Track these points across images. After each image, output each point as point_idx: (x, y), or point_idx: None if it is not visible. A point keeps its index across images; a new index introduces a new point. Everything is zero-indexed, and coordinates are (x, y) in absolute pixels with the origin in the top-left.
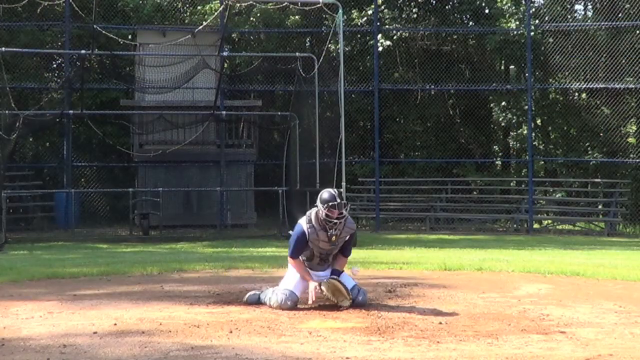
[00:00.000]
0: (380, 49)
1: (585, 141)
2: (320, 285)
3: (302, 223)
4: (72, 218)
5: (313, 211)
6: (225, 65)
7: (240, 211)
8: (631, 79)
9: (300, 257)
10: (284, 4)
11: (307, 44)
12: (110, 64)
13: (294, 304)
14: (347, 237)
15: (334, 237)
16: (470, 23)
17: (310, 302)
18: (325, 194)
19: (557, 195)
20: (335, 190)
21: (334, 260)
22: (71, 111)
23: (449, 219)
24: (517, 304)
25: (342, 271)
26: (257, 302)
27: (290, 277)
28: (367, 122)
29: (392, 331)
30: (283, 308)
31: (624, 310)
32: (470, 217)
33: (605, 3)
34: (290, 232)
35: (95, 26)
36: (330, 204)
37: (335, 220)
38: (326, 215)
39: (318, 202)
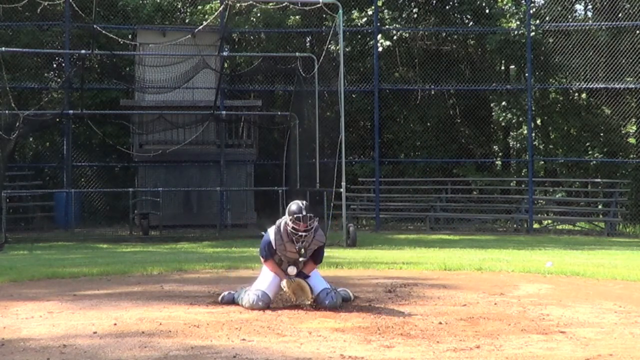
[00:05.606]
0: (380, 49)
1: (585, 141)
2: (283, 281)
3: (270, 233)
4: (72, 218)
5: (282, 221)
6: (225, 65)
7: (240, 211)
8: (631, 79)
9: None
10: (284, 4)
11: (307, 44)
12: (110, 63)
13: (265, 304)
14: (317, 248)
15: (302, 250)
16: (471, 23)
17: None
18: (293, 205)
19: (557, 195)
20: (304, 202)
21: (304, 266)
22: (71, 111)
23: (449, 219)
24: (517, 304)
25: (309, 276)
26: (232, 302)
27: (263, 277)
28: (367, 122)
29: (392, 331)
30: (254, 308)
31: (624, 310)
32: (470, 217)
33: (605, 3)
34: (263, 233)
35: (95, 26)
36: (296, 215)
37: (302, 233)
38: (292, 227)
39: (286, 214)
